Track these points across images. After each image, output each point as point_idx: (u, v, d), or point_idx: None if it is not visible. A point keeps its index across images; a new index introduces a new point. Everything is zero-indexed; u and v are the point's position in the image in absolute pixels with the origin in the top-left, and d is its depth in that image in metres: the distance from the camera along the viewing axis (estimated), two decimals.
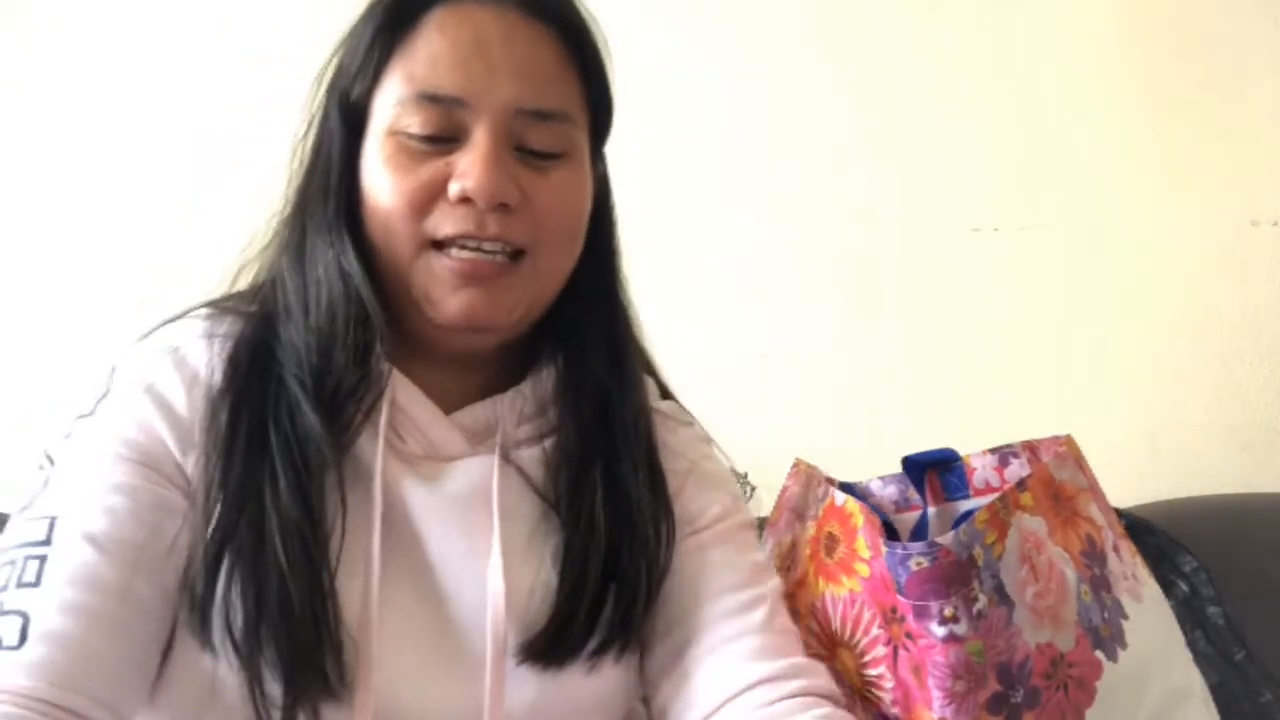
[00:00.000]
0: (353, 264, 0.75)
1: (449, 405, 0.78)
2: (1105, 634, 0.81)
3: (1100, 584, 0.83)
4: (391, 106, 0.74)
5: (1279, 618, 1.11)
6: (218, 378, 0.73)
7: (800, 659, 0.77)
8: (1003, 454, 0.89)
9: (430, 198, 0.74)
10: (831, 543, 0.86)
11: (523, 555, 0.76)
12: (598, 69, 0.80)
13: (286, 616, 0.67)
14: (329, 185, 0.77)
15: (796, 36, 1.63)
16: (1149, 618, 0.85)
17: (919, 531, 0.89)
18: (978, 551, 0.78)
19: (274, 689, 0.67)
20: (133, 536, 0.68)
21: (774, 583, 0.81)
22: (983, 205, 1.60)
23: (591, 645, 0.75)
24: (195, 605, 0.68)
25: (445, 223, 0.73)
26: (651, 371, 0.90)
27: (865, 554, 0.83)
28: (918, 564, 0.77)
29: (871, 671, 0.82)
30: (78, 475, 0.70)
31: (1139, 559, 0.89)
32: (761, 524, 0.91)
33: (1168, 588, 0.97)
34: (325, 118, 0.79)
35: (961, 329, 1.59)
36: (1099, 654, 0.80)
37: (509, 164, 0.74)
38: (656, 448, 0.83)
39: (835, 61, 1.64)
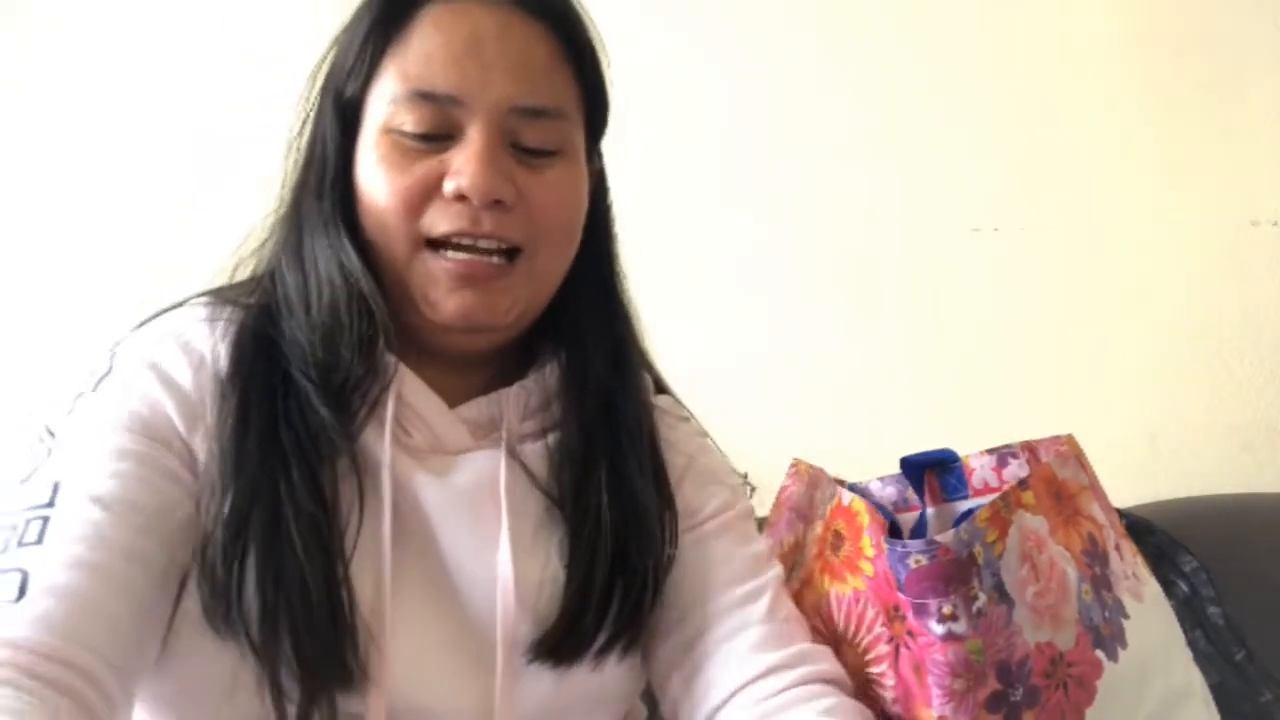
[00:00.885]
0: (353, 260, 0.75)
1: (452, 400, 0.79)
2: (1106, 633, 0.81)
3: (1101, 583, 0.83)
4: (386, 104, 0.74)
5: (1279, 618, 1.11)
6: (223, 363, 0.73)
7: (804, 645, 0.78)
8: (1001, 454, 0.88)
9: (425, 195, 0.74)
10: (837, 541, 0.86)
11: (529, 549, 0.77)
12: (593, 65, 0.80)
13: (305, 605, 0.67)
14: (325, 183, 0.77)
15: (796, 36, 1.63)
16: (1150, 617, 0.85)
17: (917, 532, 0.89)
18: (978, 550, 0.78)
19: (290, 683, 0.67)
20: (139, 499, 0.67)
21: (775, 571, 0.82)
22: (983, 205, 1.60)
23: (599, 642, 0.75)
24: (216, 588, 0.67)
25: (440, 220, 0.74)
26: (648, 366, 0.90)
27: (870, 552, 0.83)
28: (917, 561, 0.77)
29: (874, 669, 0.82)
30: (82, 443, 0.70)
31: (1139, 558, 0.89)
32: (761, 524, 0.91)
33: (1168, 587, 0.97)
34: (320, 115, 0.79)
35: (961, 329, 1.59)
36: (1099, 653, 0.80)
37: (504, 161, 0.74)
38: (659, 445, 0.83)
39: (835, 61, 1.64)
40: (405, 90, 0.74)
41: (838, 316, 1.61)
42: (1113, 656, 0.80)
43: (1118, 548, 0.87)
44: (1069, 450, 0.87)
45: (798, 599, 0.86)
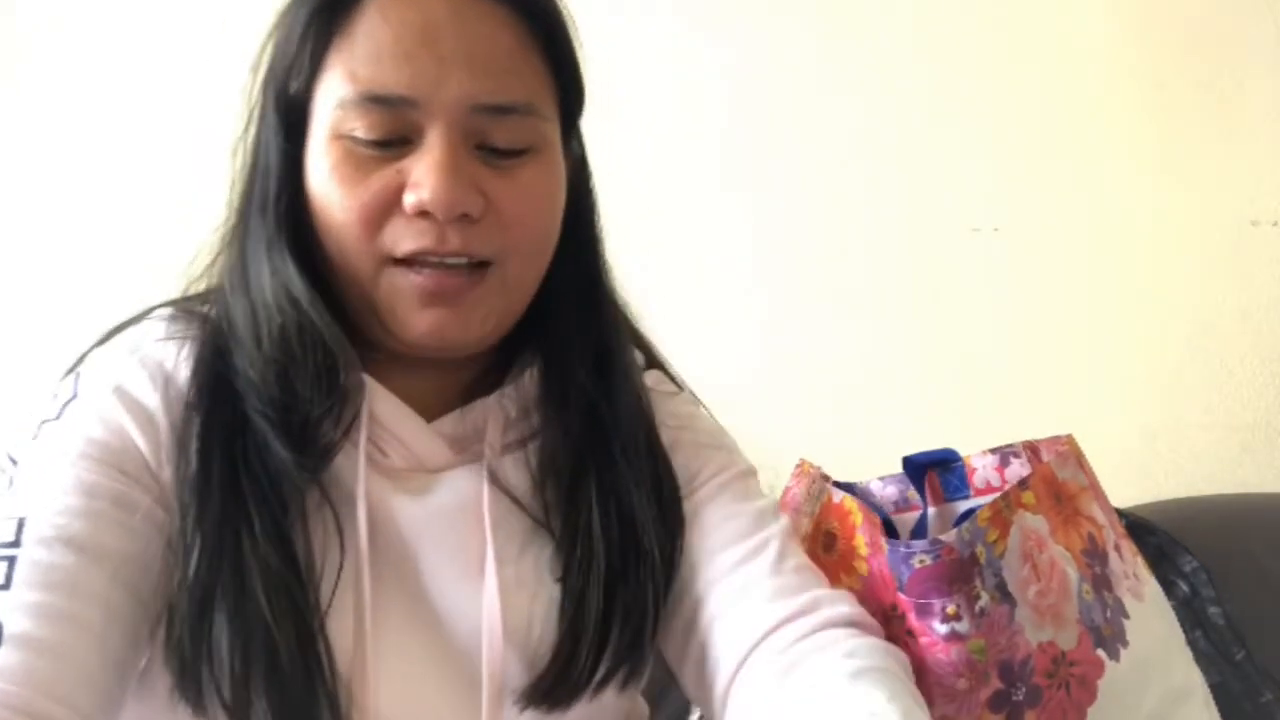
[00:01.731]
0: (299, 286, 0.68)
1: (428, 411, 0.74)
2: (1107, 633, 0.81)
3: (1102, 583, 0.83)
4: (334, 107, 0.67)
5: (1279, 618, 1.10)
6: (185, 386, 0.69)
7: (818, 591, 0.72)
8: (1003, 454, 0.88)
9: (384, 210, 0.67)
10: (829, 540, 0.86)
11: (516, 577, 0.72)
12: (564, 46, 0.73)
13: (277, 674, 0.63)
14: (268, 196, 0.70)
15: (796, 36, 1.63)
16: (1150, 617, 0.85)
17: (919, 531, 0.89)
18: (980, 550, 0.78)
19: None
20: (105, 540, 0.64)
21: (781, 523, 0.77)
22: (983, 205, 1.60)
23: (597, 677, 0.71)
24: (186, 667, 0.64)
25: (403, 239, 0.67)
26: (639, 341, 0.85)
27: (864, 551, 0.82)
28: (920, 562, 0.77)
29: None
30: (45, 476, 0.65)
31: (1139, 558, 0.89)
32: None
33: (1168, 588, 0.97)
34: (262, 117, 0.72)
35: (961, 329, 1.59)
36: (1101, 653, 0.80)
37: (468, 167, 0.67)
38: (661, 458, 0.77)
39: (835, 61, 1.64)
40: (354, 93, 0.66)
41: (838, 316, 1.61)
42: (1114, 656, 0.80)
43: (1117, 548, 0.87)
44: (1069, 450, 0.87)
45: None
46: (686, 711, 0.98)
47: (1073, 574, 0.81)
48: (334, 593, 0.67)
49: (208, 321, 0.72)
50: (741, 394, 1.56)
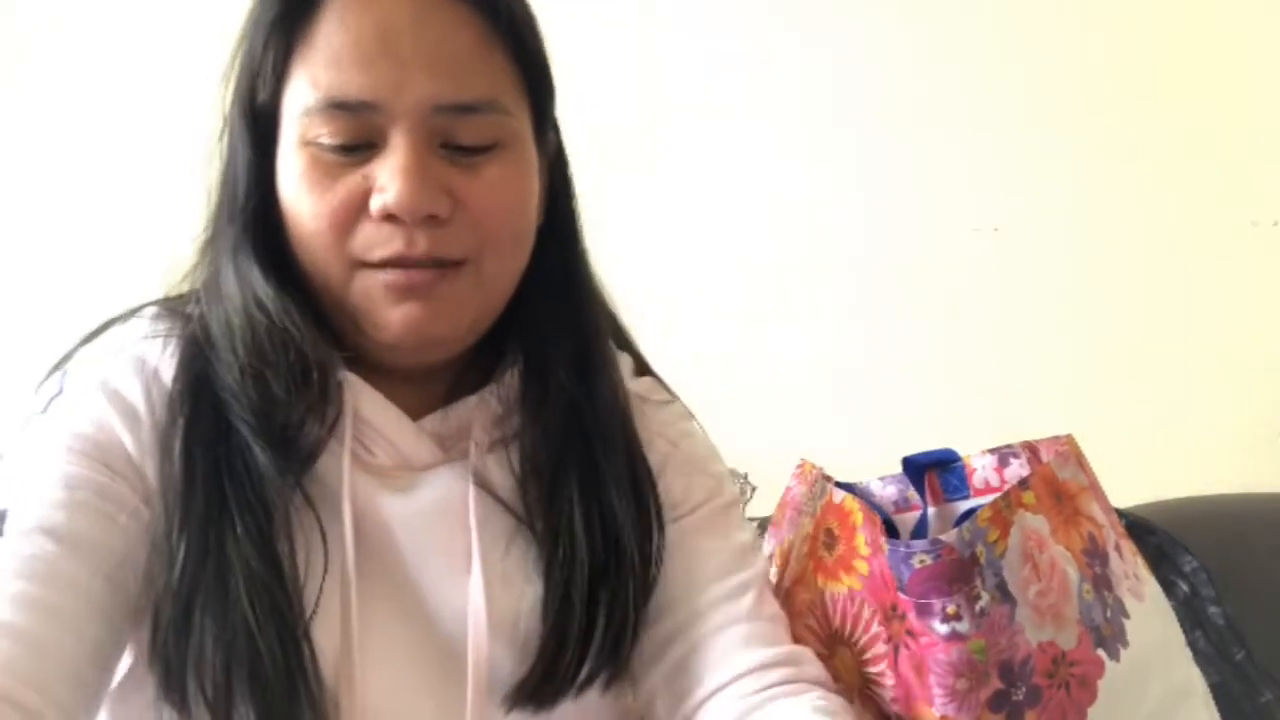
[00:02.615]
0: (265, 291, 0.69)
1: (413, 413, 0.74)
2: (1107, 633, 0.81)
3: (1102, 583, 0.83)
4: (299, 115, 0.67)
5: (1279, 618, 1.11)
6: (170, 386, 0.69)
7: (789, 647, 0.75)
8: (1003, 454, 0.88)
9: (352, 216, 0.67)
10: (830, 540, 0.86)
11: (503, 575, 0.72)
12: (529, 37, 0.72)
13: (258, 676, 0.63)
14: (236, 204, 0.71)
15: (797, 36, 1.63)
16: (1150, 617, 0.85)
17: (919, 531, 0.89)
18: (980, 549, 0.78)
19: None
20: (90, 533, 0.64)
21: (760, 566, 0.78)
22: (983, 205, 1.60)
23: (581, 678, 0.71)
24: (171, 670, 0.64)
25: (373, 244, 0.67)
26: (627, 346, 0.85)
27: (864, 551, 0.82)
28: (921, 561, 0.77)
29: (872, 669, 0.82)
30: (30, 470, 0.66)
31: (1140, 558, 0.89)
32: (763, 524, 0.91)
33: (1168, 588, 0.97)
34: (232, 127, 0.72)
35: (962, 329, 1.59)
36: (1101, 653, 0.80)
37: (435, 169, 0.67)
38: (638, 457, 0.78)
39: (835, 62, 1.64)
40: (316, 100, 0.66)
41: (838, 316, 1.61)
42: (1114, 656, 0.80)
43: (1118, 548, 0.87)
44: (1069, 450, 0.87)
45: (792, 598, 0.86)
46: None
47: (1073, 574, 0.81)
48: (319, 593, 0.67)
49: (192, 321, 0.72)
50: (741, 393, 1.57)
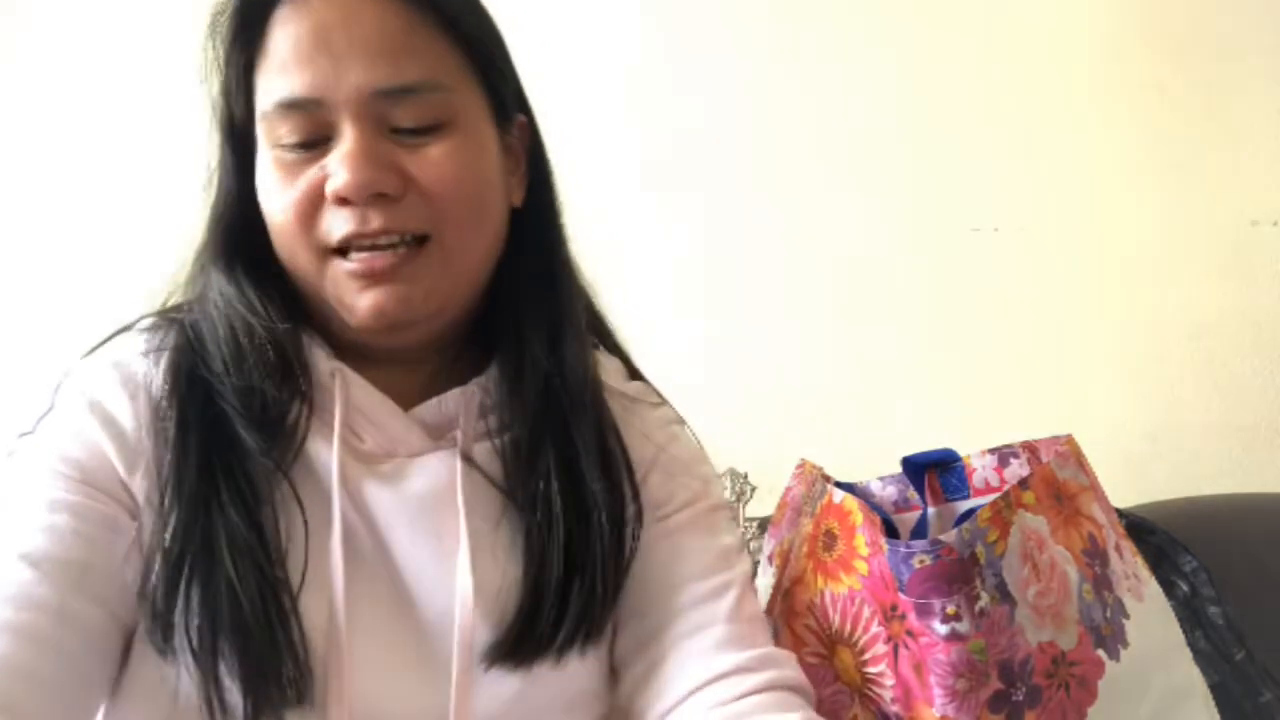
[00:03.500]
0: (249, 291, 0.74)
1: (407, 400, 0.77)
2: (1107, 633, 0.81)
3: (1102, 583, 0.83)
4: (263, 121, 0.73)
5: (1279, 618, 1.10)
6: (160, 390, 0.72)
7: (768, 649, 0.75)
8: (1002, 454, 0.88)
9: (314, 205, 0.72)
10: (830, 540, 0.86)
11: (490, 554, 0.75)
12: (473, 23, 0.76)
13: (241, 632, 0.66)
14: (218, 211, 0.77)
15: (796, 36, 1.63)
16: (1150, 617, 0.85)
17: (919, 531, 0.89)
18: (980, 550, 0.78)
19: (234, 699, 0.66)
20: (72, 554, 0.66)
21: (743, 568, 0.79)
22: (983, 205, 1.60)
23: (559, 640, 0.73)
24: (156, 615, 0.66)
25: (334, 227, 0.72)
26: (617, 350, 0.88)
27: (864, 551, 0.83)
28: (920, 562, 0.77)
29: (872, 669, 0.82)
30: (16, 493, 0.68)
31: (1139, 558, 0.89)
32: (763, 524, 0.91)
33: (1168, 587, 0.97)
34: (219, 149, 0.77)
35: (961, 329, 1.59)
36: (1101, 653, 0.80)
37: (382, 150, 0.72)
38: (609, 430, 0.80)
39: (836, 62, 1.64)
40: (271, 104, 0.72)
41: (838, 317, 1.62)
42: (1114, 656, 0.80)
43: (1118, 548, 0.87)
44: (1069, 450, 0.87)
45: (792, 598, 0.86)
46: None
47: (1073, 574, 0.81)
48: (305, 569, 0.70)
49: (184, 327, 0.76)
50: (742, 393, 1.57)
